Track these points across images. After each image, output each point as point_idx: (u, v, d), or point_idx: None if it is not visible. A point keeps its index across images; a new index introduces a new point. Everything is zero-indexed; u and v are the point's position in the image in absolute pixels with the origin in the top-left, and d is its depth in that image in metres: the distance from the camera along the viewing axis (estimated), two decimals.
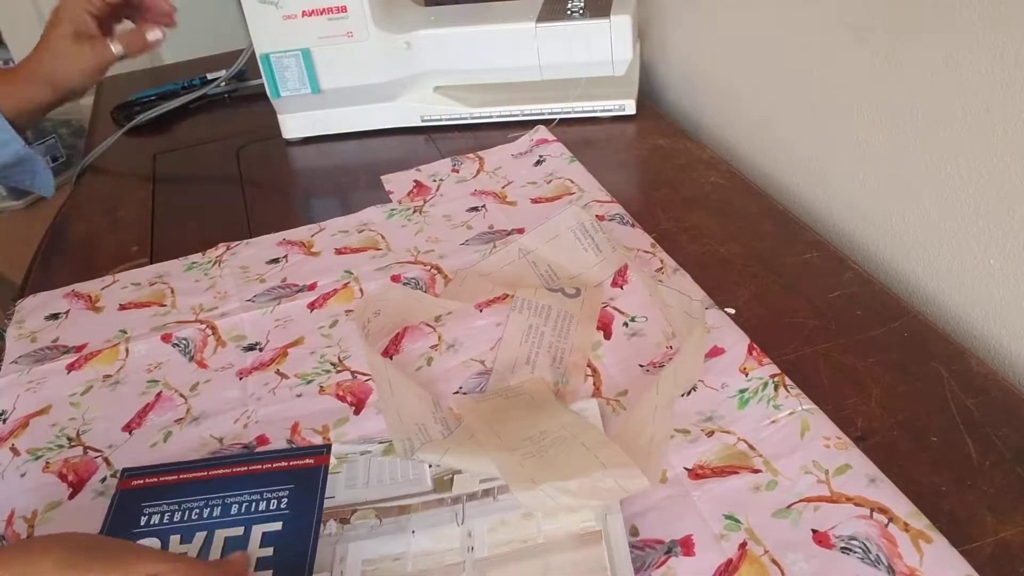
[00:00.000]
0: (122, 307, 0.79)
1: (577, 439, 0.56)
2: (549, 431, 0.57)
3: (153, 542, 0.54)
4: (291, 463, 0.59)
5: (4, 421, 0.67)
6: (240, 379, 0.68)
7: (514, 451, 0.56)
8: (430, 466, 0.58)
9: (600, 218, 0.82)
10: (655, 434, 0.57)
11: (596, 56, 0.97)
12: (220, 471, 0.59)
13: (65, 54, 0.90)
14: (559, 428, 0.57)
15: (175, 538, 0.54)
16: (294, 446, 0.61)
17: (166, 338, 0.73)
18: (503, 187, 0.91)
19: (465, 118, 1.05)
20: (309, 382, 0.67)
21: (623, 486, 0.52)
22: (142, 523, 0.55)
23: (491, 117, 1.05)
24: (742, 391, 0.60)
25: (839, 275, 0.72)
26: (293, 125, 1.07)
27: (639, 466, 0.52)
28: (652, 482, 0.53)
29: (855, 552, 0.49)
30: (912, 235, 0.74)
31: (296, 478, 0.58)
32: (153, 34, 0.92)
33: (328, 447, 0.60)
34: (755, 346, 0.64)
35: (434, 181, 0.94)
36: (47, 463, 0.62)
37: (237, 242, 0.86)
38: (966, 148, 0.66)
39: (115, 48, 0.92)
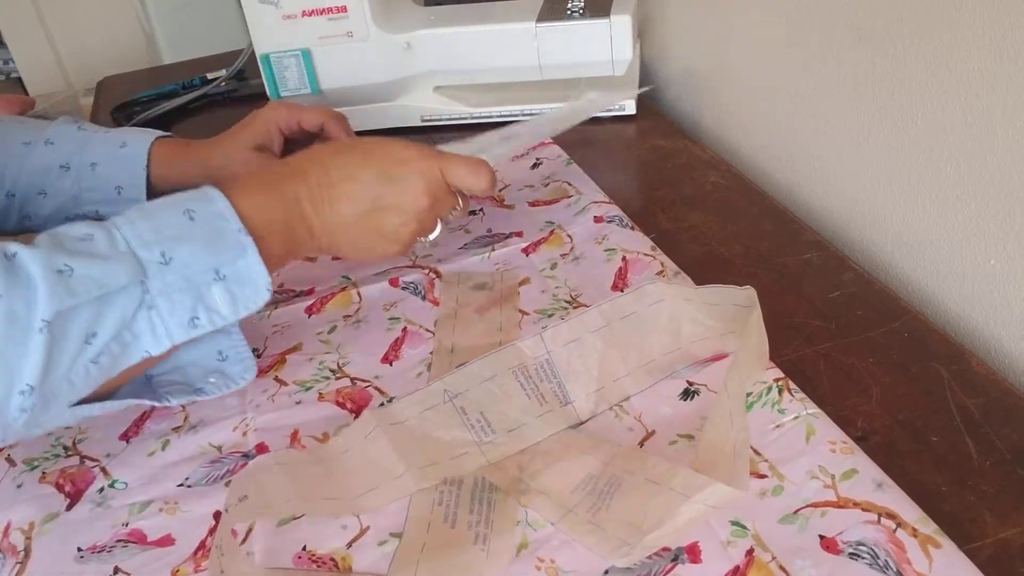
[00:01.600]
0: None
1: (636, 475, 0.54)
2: (594, 472, 0.56)
3: None
4: None
5: None
6: None
7: (573, 509, 0.54)
8: None
9: (599, 219, 0.82)
10: (736, 440, 0.54)
11: (596, 56, 0.97)
12: None
13: (240, 161, 0.88)
14: (602, 467, 0.56)
15: None
16: None
17: None
18: (500, 190, 0.90)
19: (465, 118, 1.05)
20: (308, 389, 0.67)
21: (715, 504, 0.51)
22: None
23: (491, 117, 1.04)
24: (747, 395, 0.60)
25: (839, 275, 0.72)
26: None
27: (729, 474, 0.51)
28: (743, 487, 0.51)
29: (863, 558, 0.49)
30: (912, 235, 0.74)
31: None
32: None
33: None
34: None
35: None
36: (43, 473, 0.62)
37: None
38: (966, 148, 0.66)
39: None
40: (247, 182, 0.63)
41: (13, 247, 0.52)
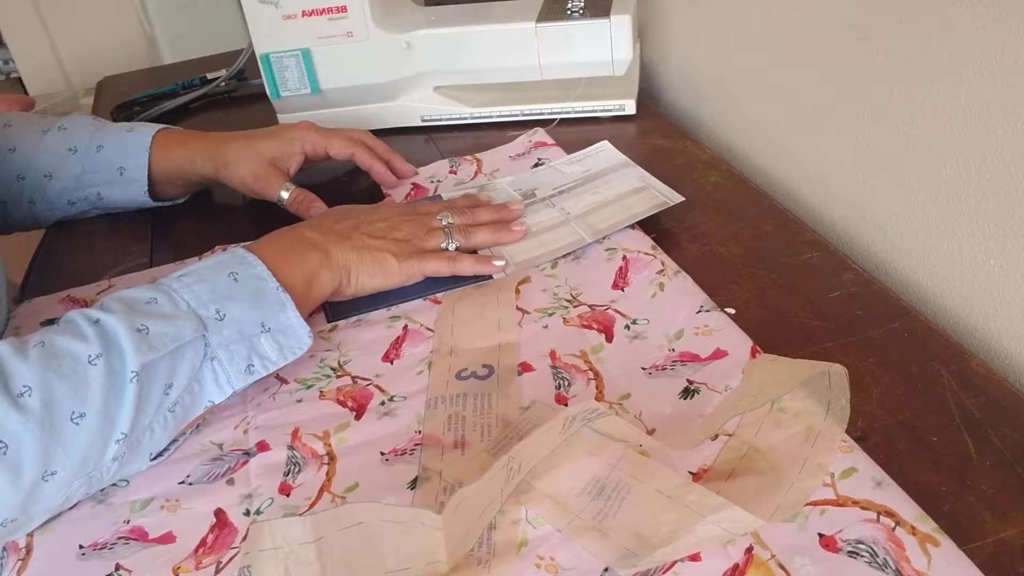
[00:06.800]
0: None
1: (646, 484, 0.54)
2: (599, 475, 0.55)
3: None
4: None
5: None
6: None
7: (578, 514, 0.53)
8: None
9: None
10: (800, 485, 0.53)
11: (596, 56, 0.97)
12: None
13: (249, 166, 0.89)
14: (608, 470, 0.55)
15: None
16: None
17: None
18: None
19: (465, 118, 1.05)
20: (309, 387, 0.67)
21: (731, 529, 0.50)
22: None
23: (491, 117, 1.05)
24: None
25: (839, 275, 0.72)
26: None
27: (767, 503, 0.51)
28: (765, 517, 0.50)
29: (862, 556, 0.49)
30: (912, 235, 0.74)
31: None
32: (317, 209, 0.87)
33: None
34: (758, 348, 0.64)
35: (432, 183, 0.94)
36: None
37: (235, 244, 0.86)
38: (966, 148, 0.66)
39: (283, 193, 0.88)
40: (271, 247, 0.70)
41: (94, 314, 0.59)
